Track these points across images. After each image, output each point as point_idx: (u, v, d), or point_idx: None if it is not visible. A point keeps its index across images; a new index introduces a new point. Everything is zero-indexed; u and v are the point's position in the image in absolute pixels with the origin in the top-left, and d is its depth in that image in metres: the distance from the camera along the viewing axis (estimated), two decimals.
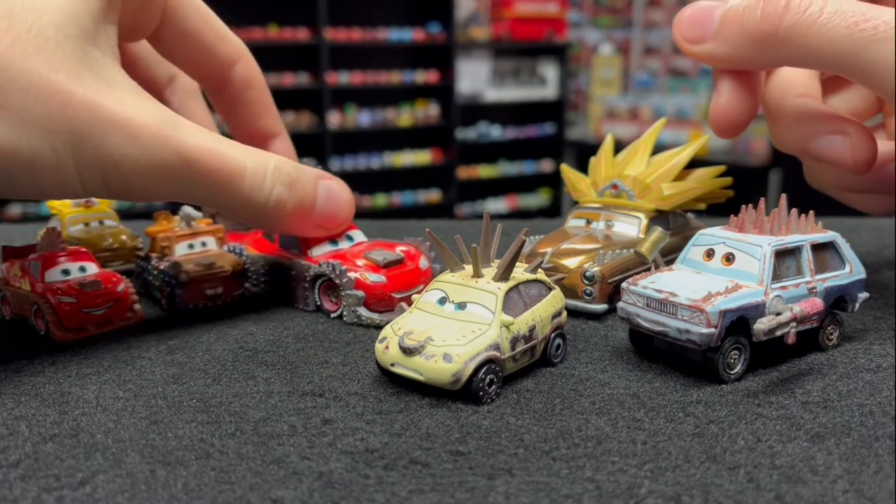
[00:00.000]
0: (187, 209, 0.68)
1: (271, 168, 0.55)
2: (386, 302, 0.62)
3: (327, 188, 0.60)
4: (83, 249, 0.64)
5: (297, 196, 0.57)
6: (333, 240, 0.67)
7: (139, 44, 0.65)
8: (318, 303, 0.64)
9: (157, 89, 0.69)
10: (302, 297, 0.65)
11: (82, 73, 0.47)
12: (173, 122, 0.50)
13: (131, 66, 0.65)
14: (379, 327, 0.59)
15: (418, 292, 0.54)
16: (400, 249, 0.65)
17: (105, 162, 0.48)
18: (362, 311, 0.61)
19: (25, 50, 0.45)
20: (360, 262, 0.63)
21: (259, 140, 0.70)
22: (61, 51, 0.46)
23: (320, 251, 0.66)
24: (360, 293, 0.61)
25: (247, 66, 0.67)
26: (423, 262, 0.66)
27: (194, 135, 0.51)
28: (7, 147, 0.44)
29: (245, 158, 0.53)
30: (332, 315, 0.63)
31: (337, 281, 0.61)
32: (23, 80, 0.44)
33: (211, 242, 0.69)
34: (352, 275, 0.61)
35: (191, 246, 0.68)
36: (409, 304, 0.53)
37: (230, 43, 0.66)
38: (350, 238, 0.68)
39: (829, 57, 0.46)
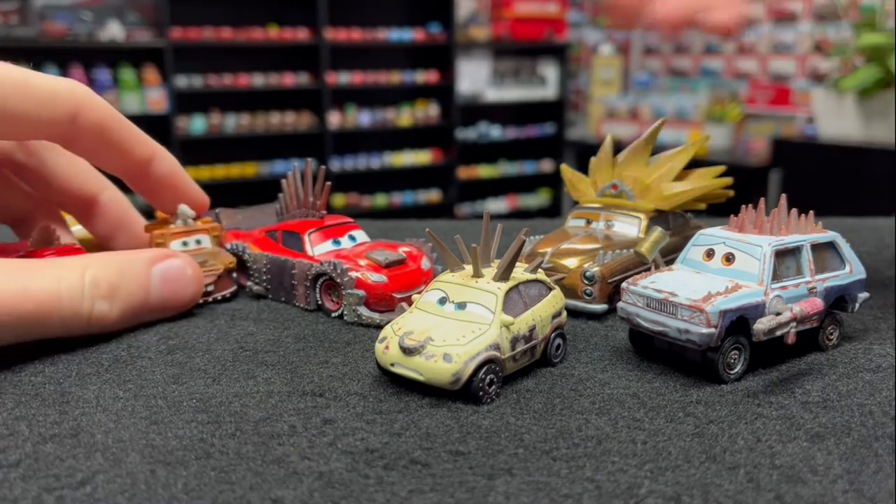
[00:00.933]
0: (184, 208, 0.68)
1: (87, 283, 0.53)
2: (387, 302, 0.62)
3: (163, 271, 0.58)
4: (76, 245, 0.64)
5: (121, 302, 0.55)
6: (336, 239, 0.67)
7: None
8: (319, 301, 0.64)
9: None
10: (303, 295, 0.65)
11: None
12: None
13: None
14: (379, 327, 0.59)
15: (419, 293, 0.54)
16: (402, 250, 0.65)
17: None
18: (363, 310, 0.61)
19: None
20: (361, 262, 0.63)
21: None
22: None
23: (322, 250, 0.66)
24: (361, 292, 0.61)
25: (161, 160, 0.65)
26: (425, 263, 0.66)
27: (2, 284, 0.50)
28: None
29: (58, 285, 0.51)
30: (333, 314, 0.63)
31: (338, 280, 0.62)
32: None
33: (206, 240, 0.69)
34: (353, 274, 0.61)
35: (185, 243, 0.68)
36: (410, 304, 0.53)
37: (143, 144, 0.64)
38: (353, 238, 0.68)
39: None
